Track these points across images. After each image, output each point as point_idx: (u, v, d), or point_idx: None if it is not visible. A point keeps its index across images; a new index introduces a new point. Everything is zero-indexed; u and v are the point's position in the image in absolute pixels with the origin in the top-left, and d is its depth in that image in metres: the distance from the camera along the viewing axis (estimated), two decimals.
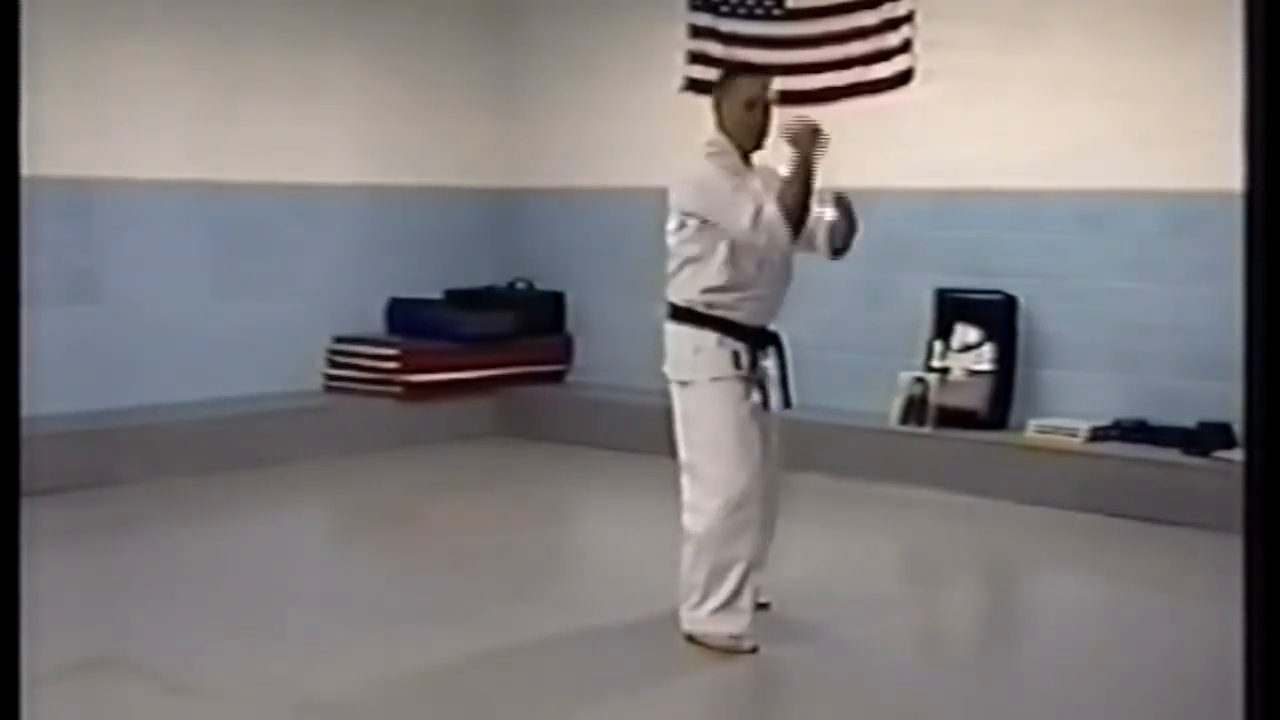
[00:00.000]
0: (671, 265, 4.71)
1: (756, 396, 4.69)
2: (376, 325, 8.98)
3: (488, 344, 8.92)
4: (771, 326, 4.83)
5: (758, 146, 4.68)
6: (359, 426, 8.28)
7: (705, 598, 4.57)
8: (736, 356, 4.64)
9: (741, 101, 4.62)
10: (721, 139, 4.67)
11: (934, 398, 7.52)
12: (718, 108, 4.68)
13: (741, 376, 4.64)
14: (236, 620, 5.04)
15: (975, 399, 7.46)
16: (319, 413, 8.35)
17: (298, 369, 8.52)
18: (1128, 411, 7.11)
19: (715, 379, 4.62)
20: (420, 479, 7.83)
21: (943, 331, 7.65)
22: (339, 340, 8.77)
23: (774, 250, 4.56)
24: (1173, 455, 6.75)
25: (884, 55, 7.97)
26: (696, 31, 8.64)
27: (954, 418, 7.45)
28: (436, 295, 9.16)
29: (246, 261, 8.39)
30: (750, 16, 8.46)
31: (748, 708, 4.55)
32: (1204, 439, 6.64)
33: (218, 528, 6.60)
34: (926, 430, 7.49)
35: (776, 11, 8.36)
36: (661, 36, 8.59)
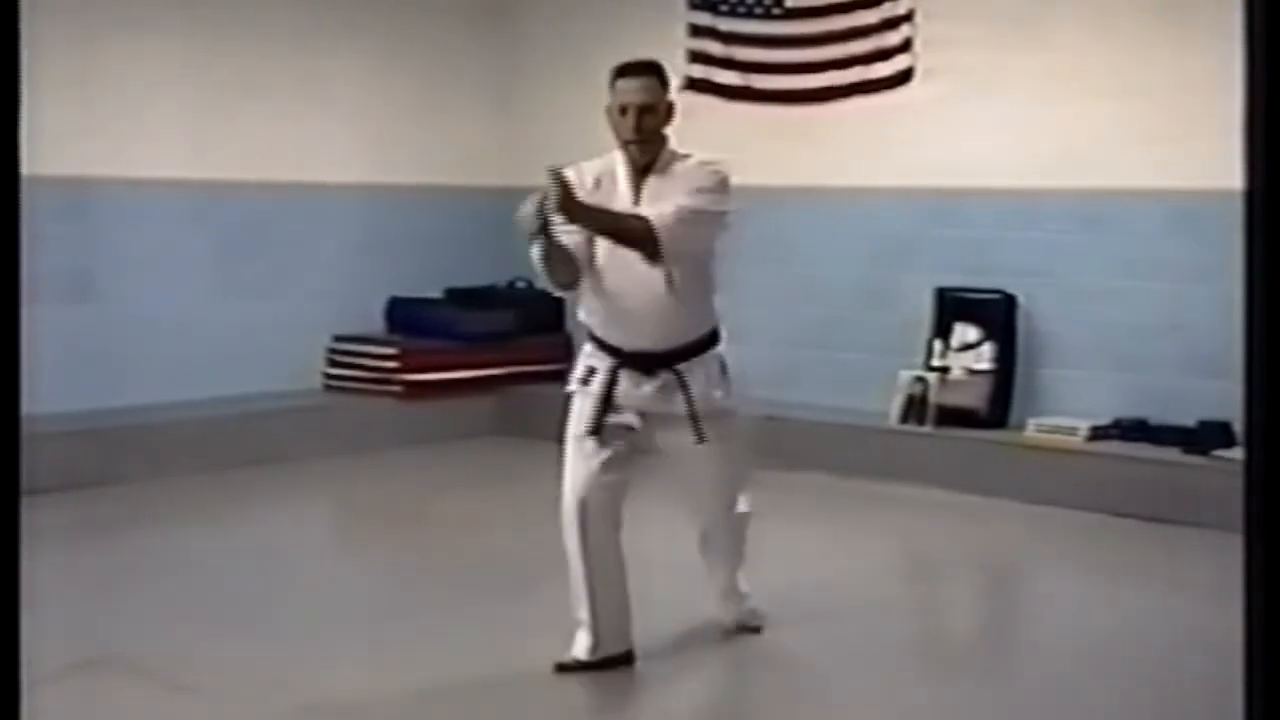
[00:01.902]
0: None
1: (633, 419, 4.38)
2: (376, 324, 8.98)
3: (488, 343, 8.92)
4: (682, 362, 4.42)
5: (642, 155, 4.34)
6: (359, 426, 8.28)
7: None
8: (590, 372, 4.42)
9: (617, 107, 4.33)
10: (618, 148, 4.40)
11: (934, 397, 7.52)
12: (609, 113, 4.39)
13: (590, 393, 4.39)
14: (237, 620, 5.04)
15: (975, 398, 7.46)
16: (319, 412, 8.35)
17: (297, 368, 8.52)
18: (1128, 410, 7.10)
19: (570, 391, 4.48)
20: (420, 478, 7.83)
21: (942, 330, 7.65)
22: (339, 339, 8.77)
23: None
24: (1173, 454, 6.74)
25: (884, 54, 7.97)
26: (696, 30, 8.64)
27: (954, 417, 7.45)
28: (437, 294, 9.15)
29: (246, 261, 8.39)
30: (750, 15, 8.46)
31: (748, 705, 4.55)
32: (1204, 438, 6.64)
33: (218, 527, 6.60)
34: (926, 429, 7.49)
35: (776, 10, 8.37)
36: (661, 35, 8.57)
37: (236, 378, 8.15)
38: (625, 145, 4.35)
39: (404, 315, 8.99)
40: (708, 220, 4.33)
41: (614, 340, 4.41)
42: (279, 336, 8.43)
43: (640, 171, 4.36)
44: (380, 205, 9.00)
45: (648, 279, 4.28)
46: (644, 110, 4.31)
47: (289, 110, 8.51)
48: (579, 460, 4.38)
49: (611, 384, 4.37)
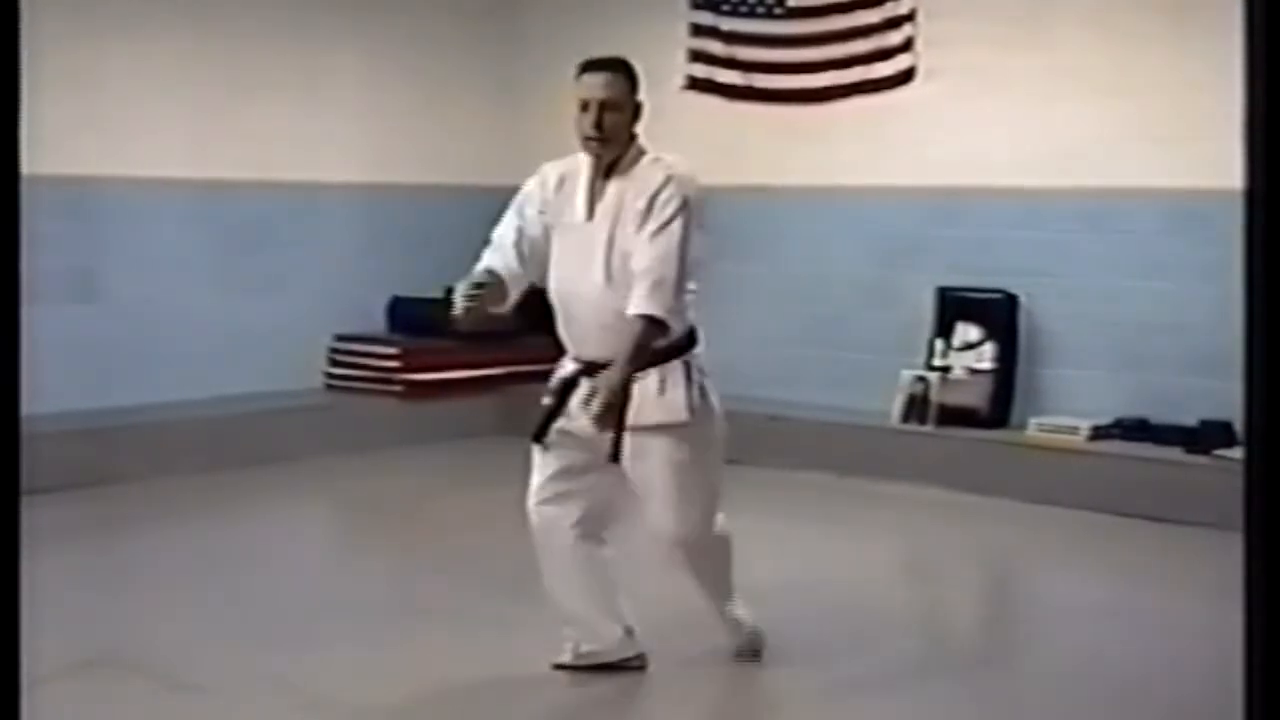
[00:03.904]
0: None
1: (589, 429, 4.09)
2: (378, 323, 8.97)
3: (489, 342, 8.91)
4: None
5: (602, 155, 4.18)
6: (360, 425, 8.28)
7: None
8: (564, 383, 4.28)
9: (578, 103, 4.16)
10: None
11: (935, 396, 7.52)
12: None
13: (546, 401, 4.30)
14: (237, 619, 5.04)
15: (977, 397, 7.46)
16: (320, 411, 8.35)
17: (299, 367, 8.52)
18: (1129, 410, 7.10)
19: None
20: (421, 477, 7.83)
21: (944, 330, 7.65)
22: (340, 338, 8.77)
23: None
24: (1174, 453, 6.75)
25: (885, 53, 7.97)
26: (698, 30, 8.64)
27: (955, 416, 7.45)
28: (438, 294, 9.12)
29: (247, 259, 8.39)
30: (752, 15, 8.46)
31: (749, 704, 4.55)
32: (1205, 437, 6.65)
33: (219, 526, 6.60)
34: (928, 429, 7.49)
35: (778, 10, 8.37)
36: (663, 34, 8.59)
37: (238, 377, 8.15)
38: (585, 143, 4.19)
39: (405, 315, 8.98)
40: (672, 253, 4.06)
41: (570, 346, 4.33)
42: (280, 336, 8.43)
43: (604, 174, 4.20)
44: (381, 204, 9.00)
45: (590, 286, 4.18)
46: (605, 106, 4.13)
47: (290, 108, 8.51)
48: (535, 470, 4.34)
49: (565, 391, 4.24)
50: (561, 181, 4.29)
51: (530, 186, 4.36)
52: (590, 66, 4.21)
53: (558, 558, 4.35)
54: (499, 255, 4.33)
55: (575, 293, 4.23)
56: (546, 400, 4.31)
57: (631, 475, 4.19)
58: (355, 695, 4.30)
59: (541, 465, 4.32)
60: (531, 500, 4.34)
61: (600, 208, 4.19)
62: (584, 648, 4.43)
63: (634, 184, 4.14)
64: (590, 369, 4.16)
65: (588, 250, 4.18)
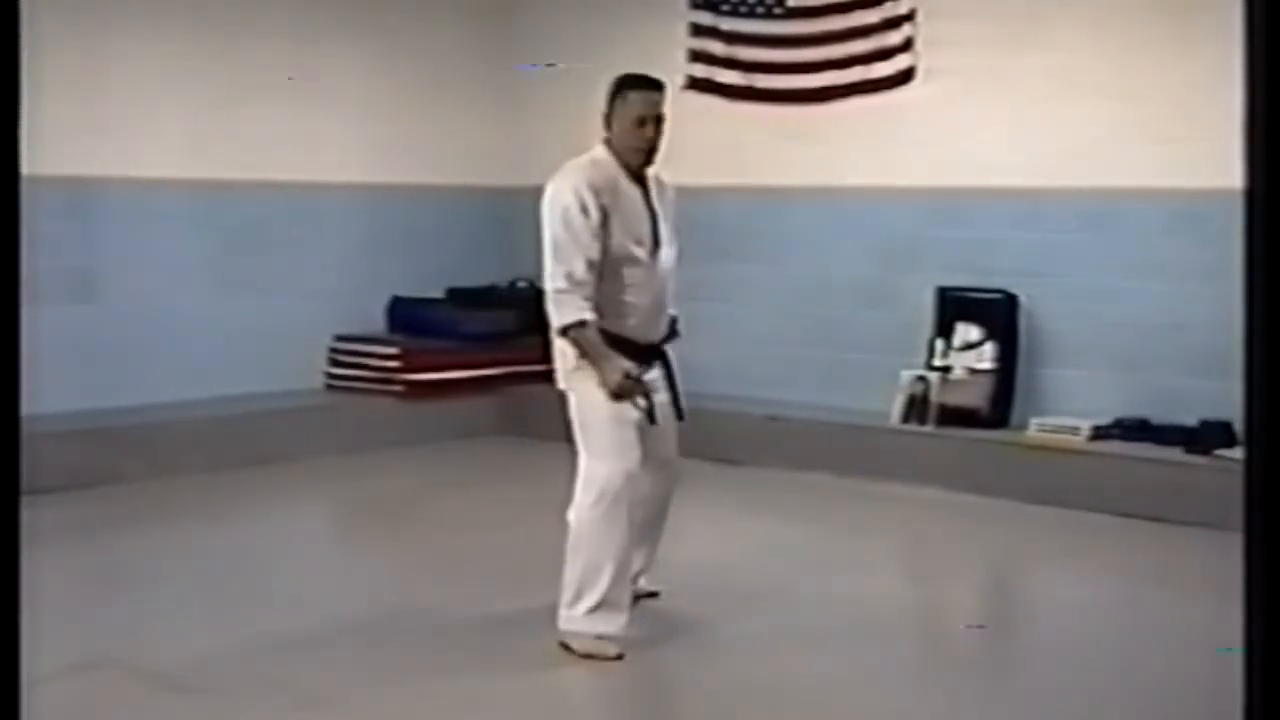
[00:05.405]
0: None
1: (642, 403, 4.58)
2: (378, 324, 8.98)
3: (489, 343, 8.92)
4: (657, 340, 4.77)
5: (646, 163, 4.62)
6: (360, 425, 8.28)
7: (579, 596, 4.52)
8: (625, 374, 4.58)
9: (633, 118, 4.54)
10: (604, 153, 4.58)
11: (935, 396, 7.52)
12: (607, 121, 4.59)
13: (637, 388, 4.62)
14: (237, 619, 5.04)
15: (977, 397, 7.46)
16: (320, 411, 8.35)
17: (299, 367, 8.52)
18: (1129, 410, 7.10)
19: (619, 386, 4.56)
20: (421, 478, 7.83)
21: (944, 330, 7.65)
22: (340, 339, 8.78)
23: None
24: (1174, 454, 6.74)
25: (885, 54, 7.97)
26: (698, 30, 8.64)
27: (955, 416, 7.45)
28: (438, 294, 9.16)
29: (248, 260, 8.40)
30: (752, 15, 8.46)
31: (748, 705, 4.55)
32: (1205, 437, 6.65)
33: (219, 526, 6.60)
34: (928, 429, 7.49)
35: (778, 10, 8.36)
36: (663, 34, 8.59)
37: (238, 377, 8.16)
38: (635, 152, 4.56)
39: (405, 315, 8.99)
40: None
41: (639, 336, 4.62)
42: (281, 336, 8.43)
43: (638, 179, 4.62)
44: (382, 204, 9.00)
45: (665, 274, 4.66)
46: (659, 121, 4.57)
47: (290, 109, 8.51)
48: (630, 446, 4.52)
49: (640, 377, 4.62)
50: (601, 192, 4.49)
51: (596, 185, 4.49)
52: (643, 83, 4.61)
53: (628, 524, 4.54)
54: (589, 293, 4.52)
55: (656, 285, 4.62)
56: (624, 383, 4.54)
57: (659, 433, 4.72)
58: (354, 695, 4.30)
59: (634, 437, 4.54)
60: (633, 474, 4.51)
61: (658, 212, 4.66)
62: (619, 627, 4.52)
63: (665, 193, 4.73)
64: (647, 351, 4.65)
65: (653, 235, 4.60)
